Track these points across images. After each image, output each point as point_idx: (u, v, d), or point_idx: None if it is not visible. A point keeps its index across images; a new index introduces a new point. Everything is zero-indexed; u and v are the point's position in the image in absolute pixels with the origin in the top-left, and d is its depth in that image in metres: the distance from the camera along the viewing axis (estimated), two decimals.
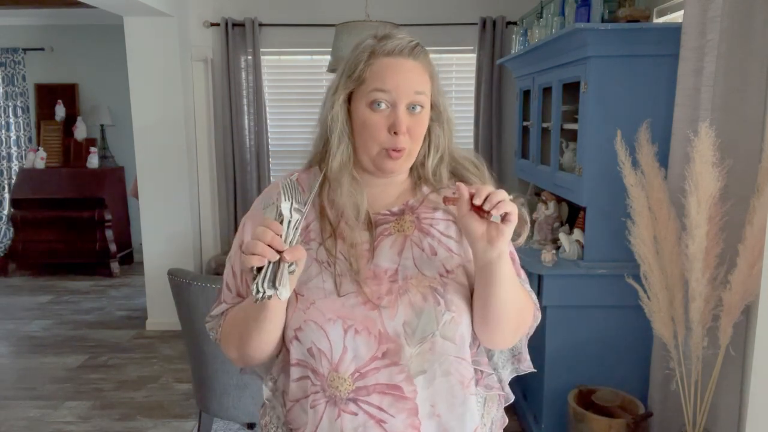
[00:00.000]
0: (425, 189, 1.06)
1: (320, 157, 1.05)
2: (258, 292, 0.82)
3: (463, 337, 0.97)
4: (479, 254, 0.92)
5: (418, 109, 0.98)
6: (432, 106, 1.02)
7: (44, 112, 5.87)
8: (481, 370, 1.03)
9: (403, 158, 0.99)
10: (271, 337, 0.97)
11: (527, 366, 1.09)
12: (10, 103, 5.83)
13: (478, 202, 0.88)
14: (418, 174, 1.06)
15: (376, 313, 0.94)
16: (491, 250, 0.90)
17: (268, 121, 4.26)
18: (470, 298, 0.99)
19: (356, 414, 0.95)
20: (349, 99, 1.01)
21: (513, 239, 1.02)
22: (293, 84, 4.35)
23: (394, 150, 0.97)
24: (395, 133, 0.96)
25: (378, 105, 0.96)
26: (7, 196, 5.84)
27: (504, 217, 0.88)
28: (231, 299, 1.07)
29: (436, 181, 1.06)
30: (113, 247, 5.45)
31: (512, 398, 1.10)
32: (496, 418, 1.08)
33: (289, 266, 0.84)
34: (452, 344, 0.95)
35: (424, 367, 0.94)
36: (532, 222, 2.78)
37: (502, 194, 0.88)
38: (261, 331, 0.95)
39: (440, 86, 1.04)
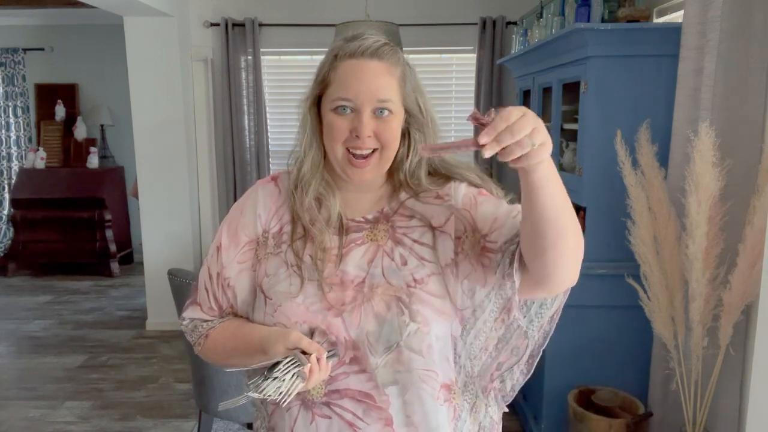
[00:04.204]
0: (402, 195, 1.03)
1: (299, 158, 1.04)
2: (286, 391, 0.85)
3: (431, 348, 0.94)
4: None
5: (386, 113, 0.95)
6: (406, 110, 0.99)
7: (44, 112, 5.87)
8: (499, 364, 1.01)
9: (371, 166, 0.97)
10: None
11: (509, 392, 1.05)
12: (10, 103, 5.83)
13: (487, 154, 0.73)
14: (397, 179, 1.04)
15: (339, 320, 0.94)
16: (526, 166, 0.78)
17: (268, 121, 4.26)
18: (446, 307, 0.96)
19: (330, 417, 0.95)
20: (320, 102, 1.00)
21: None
22: (293, 84, 4.34)
23: (358, 156, 0.95)
24: (357, 136, 0.94)
25: (343, 110, 0.95)
26: (7, 196, 5.84)
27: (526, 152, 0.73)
28: (208, 308, 1.07)
29: (414, 184, 1.03)
30: (113, 247, 5.44)
31: (503, 407, 1.07)
32: (485, 423, 1.05)
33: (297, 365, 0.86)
34: (419, 357, 0.94)
35: (395, 378, 0.93)
36: None
37: (515, 127, 0.72)
38: (251, 365, 0.96)
39: (416, 86, 1.00)
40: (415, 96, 1.00)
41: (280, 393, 0.84)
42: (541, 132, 0.73)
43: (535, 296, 0.98)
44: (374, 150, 0.96)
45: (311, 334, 0.94)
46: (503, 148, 0.73)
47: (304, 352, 0.87)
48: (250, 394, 0.85)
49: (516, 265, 0.93)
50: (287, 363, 0.86)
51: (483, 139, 0.72)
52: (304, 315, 0.94)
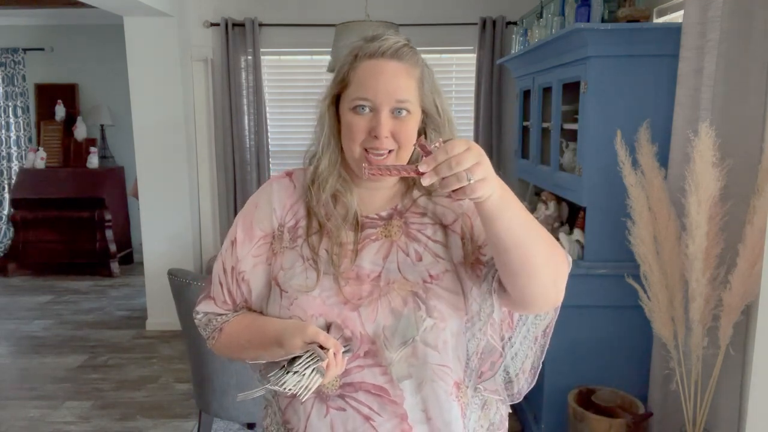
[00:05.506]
0: (415, 193, 1.04)
1: (315, 156, 1.05)
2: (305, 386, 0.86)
3: (446, 343, 0.96)
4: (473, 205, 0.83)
5: (404, 113, 0.96)
6: (423, 111, 1.00)
7: (44, 112, 5.87)
8: (481, 373, 1.02)
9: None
10: None
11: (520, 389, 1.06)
12: (10, 103, 5.83)
13: (425, 182, 0.76)
14: (411, 177, 1.03)
15: (356, 314, 0.95)
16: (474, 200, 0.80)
17: (268, 121, 4.26)
18: (461, 303, 0.97)
19: (344, 410, 0.96)
20: (339, 101, 1.01)
21: None
22: (293, 84, 4.35)
23: (376, 156, 0.96)
24: (375, 136, 0.95)
25: (362, 109, 0.96)
26: (7, 196, 5.84)
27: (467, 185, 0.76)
28: (222, 302, 1.08)
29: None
30: (113, 247, 5.44)
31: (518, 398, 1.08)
32: (495, 420, 1.07)
33: (315, 361, 0.87)
34: (434, 352, 0.95)
35: (409, 372, 0.94)
36: None
37: (454, 161, 0.74)
38: (265, 359, 0.97)
39: (434, 87, 1.01)
40: (432, 97, 1.00)
41: (301, 387, 0.85)
42: (483, 168, 0.75)
43: (521, 313, 1.02)
44: (391, 150, 0.97)
45: (327, 328, 0.95)
46: (442, 179, 0.75)
47: (321, 347, 0.88)
48: (271, 386, 0.86)
49: (495, 285, 0.96)
50: (307, 358, 0.87)
51: (422, 167, 0.76)
52: (321, 308, 0.95)
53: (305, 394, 0.85)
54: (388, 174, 0.83)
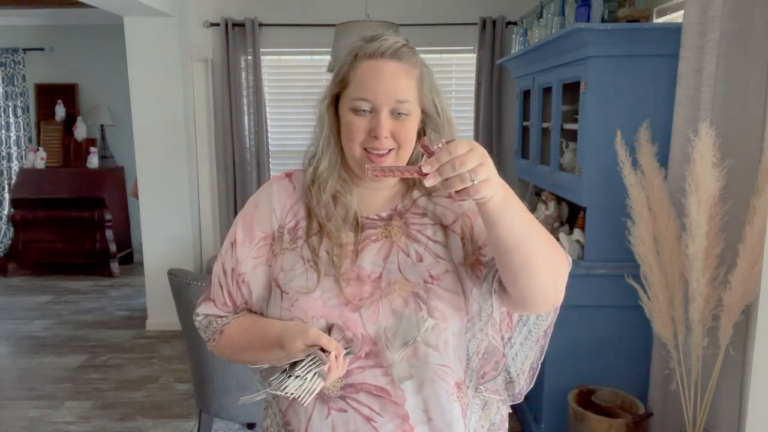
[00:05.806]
0: (415, 193, 1.04)
1: (315, 156, 1.05)
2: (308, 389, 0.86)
3: (447, 344, 0.96)
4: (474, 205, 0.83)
5: (403, 115, 0.96)
6: (422, 111, 1.00)
7: (44, 112, 5.87)
8: (483, 373, 1.02)
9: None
10: None
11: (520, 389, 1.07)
12: (10, 103, 5.83)
13: (428, 183, 0.76)
14: (411, 178, 1.04)
15: (357, 315, 0.95)
16: (477, 200, 0.79)
17: (268, 121, 4.26)
18: (461, 304, 0.97)
19: (345, 411, 0.96)
20: (338, 101, 1.01)
21: None
22: (293, 84, 4.35)
23: (375, 156, 0.96)
24: (375, 137, 0.95)
25: (362, 110, 0.96)
26: (7, 196, 5.84)
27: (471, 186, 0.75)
28: (222, 304, 1.07)
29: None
30: (113, 247, 5.45)
31: (519, 399, 1.08)
32: (496, 420, 1.07)
33: (316, 364, 0.87)
34: (435, 352, 0.95)
35: (410, 372, 0.94)
36: None
37: (457, 162, 0.74)
38: (266, 360, 0.97)
39: (433, 87, 1.01)
40: (432, 97, 1.00)
41: (303, 391, 0.85)
42: (486, 169, 0.75)
43: (521, 313, 1.02)
44: (390, 149, 0.97)
45: (329, 330, 0.94)
46: (446, 180, 0.75)
47: (322, 349, 0.88)
48: (272, 390, 0.86)
49: (496, 285, 0.96)
50: (308, 362, 0.87)
51: (426, 168, 0.75)
52: (322, 309, 0.95)
53: (307, 398, 0.85)
54: (391, 175, 0.83)
